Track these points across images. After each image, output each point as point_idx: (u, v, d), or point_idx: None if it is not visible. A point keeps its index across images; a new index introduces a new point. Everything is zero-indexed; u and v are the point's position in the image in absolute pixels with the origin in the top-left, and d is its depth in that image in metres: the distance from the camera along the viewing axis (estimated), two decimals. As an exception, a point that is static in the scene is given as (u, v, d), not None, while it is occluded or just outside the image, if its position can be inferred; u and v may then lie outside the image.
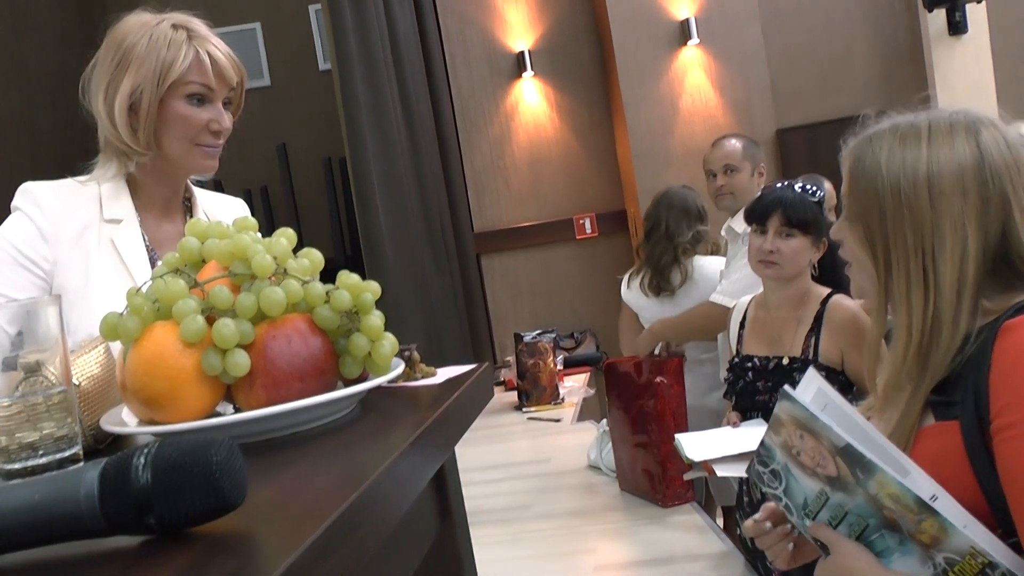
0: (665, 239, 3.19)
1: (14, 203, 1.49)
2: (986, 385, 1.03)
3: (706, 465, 2.12)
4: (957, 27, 4.46)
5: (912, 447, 1.11)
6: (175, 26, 1.47)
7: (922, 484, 1.00)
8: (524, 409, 3.72)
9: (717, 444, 2.20)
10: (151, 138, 1.48)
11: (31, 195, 1.48)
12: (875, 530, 1.03)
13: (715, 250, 3.32)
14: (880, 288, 1.17)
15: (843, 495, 1.04)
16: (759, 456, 1.13)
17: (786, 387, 1.06)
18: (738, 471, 2.11)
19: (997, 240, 1.10)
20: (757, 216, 2.38)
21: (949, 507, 0.99)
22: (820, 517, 1.08)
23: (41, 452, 0.77)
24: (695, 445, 2.21)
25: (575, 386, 4.06)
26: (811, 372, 1.13)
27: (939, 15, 4.49)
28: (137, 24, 1.48)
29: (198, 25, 1.50)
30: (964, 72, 4.53)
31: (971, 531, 0.98)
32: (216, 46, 1.49)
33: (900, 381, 1.14)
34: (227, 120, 1.52)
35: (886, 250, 1.14)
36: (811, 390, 1.10)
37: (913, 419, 1.12)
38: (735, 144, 3.21)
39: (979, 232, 1.09)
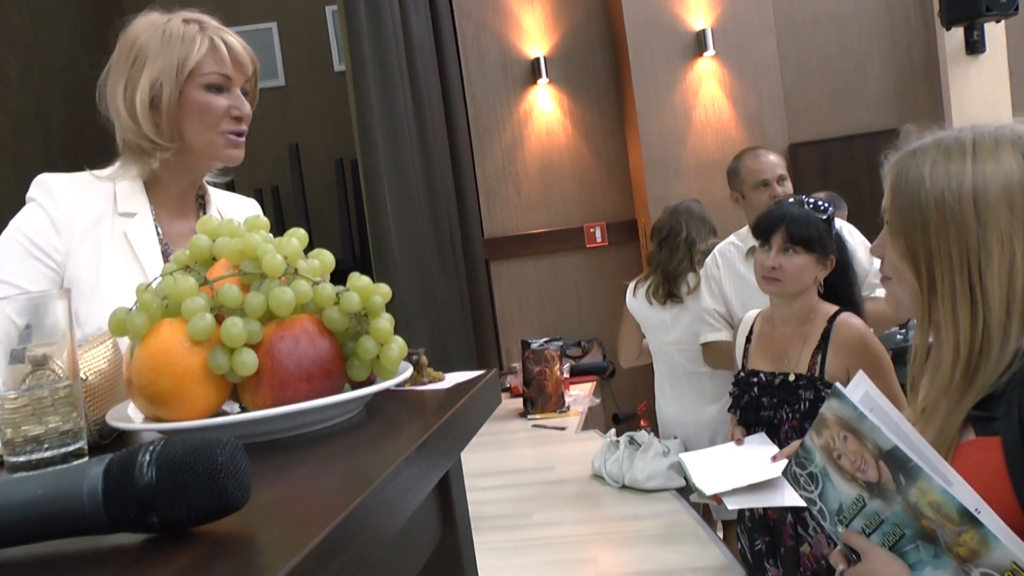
0: (685, 245, 3.19)
1: (29, 194, 1.49)
2: None
3: (716, 497, 2.11)
4: (974, 46, 4.45)
5: (951, 461, 1.10)
6: (186, 20, 1.49)
7: (965, 495, 0.99)
8: (529, 416, 3.71)
9: (725, 470, 2.19)
10: (174, 131, 1.48)
11: (46, 186, 1.48)
12: (910, 540, 1.02)
13: None
14: (924, 303, 1.15)
15: (880, 502, 1.03)
16: (798, 457, 1.11)
17: (837, 385, 1.04)
18: (748, 503, 2.10)
19: None
20: (761, 231, 2.38)
21: (992, 520, 0.97)
22: (854, 524, 1.07)
23: (46, 446, 0.77)
24: (704, 473, 2.20)
25: (581, 395, 4.05)
26: (860, 375, 1.11)
27: (956, 33, 4.48)
28: (148, 23, 1.49)
29: (206, 17, 1.52)
30: (980, 92, 4.51)
31: (1015, 546, 0.97)
32: (228, 33, 1.51)
33: (945, 397, 1.13)
34: (247, 107, 1.53)
35: (929, 265, 1.13)
36: (859, 392, 1.09)
37: (953, 433, 1.11)
38: (775, 156, 3.17)
39: None
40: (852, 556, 1.11)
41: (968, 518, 0.96)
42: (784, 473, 1.13)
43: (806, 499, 1.13)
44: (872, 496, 1.03)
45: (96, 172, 1.54)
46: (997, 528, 0.96)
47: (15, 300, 0.79)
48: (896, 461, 1.00)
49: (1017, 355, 1.08)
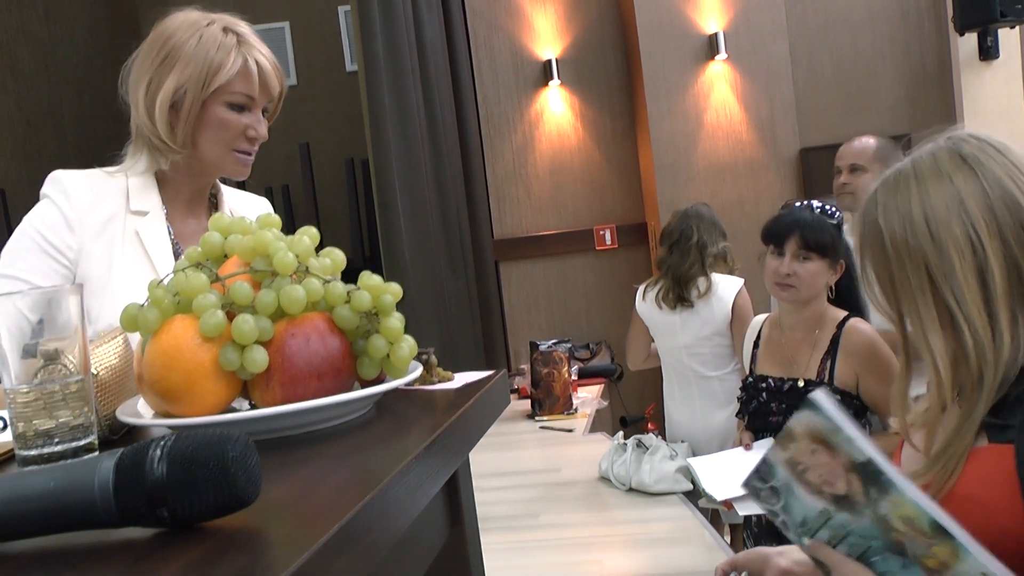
0: (696, 248, 3.18)
1: (43, 190, 1.50)
2: None
3: (726, 503, 2.10)
4: (988, 52, 4.43)
5: (963, 468, 1.09)
6: (225, 30, 1.47)
7: (936, 507, 0.98)
8: (536, 417, 3.71)
9: (734, 475, 2.19)
10: (188, 138, 1.48)
11: (60, 183, 1.48)
12: (876, 552, 1.01)
13: (731, 271, 3.30)
14: (900, 341, 1.17)
15: (847, 515, 1.02)
16: (759, 471, 1.11)
17: (812, 395, 1.03)
18: (759, 508, 2.09)
19: (1020, 241, 1.08)
20: (774, 238, 2.37)
21: (961, 532, 0.97)
22: (820, 536, 1.06)
23: (56, 440, 0.77)
24: (713, 477, 2.19)
25: (588, 397, 4.05)
26: (820, 392, 1.11)
27: (970, 39, 4.47)
28: (186, 22, 1.47)
29: (246, 30, 1.50)
30: (993, 98, 4.49)
31: (983, 557, 0.96)
32: (263, 54, 1.49)
33: (943, 419, 1.13)
34: (264, 129, 1.52)
35: (898, 300, 1.14)
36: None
37: (967, 440, 1.10)
38: (868, 143, 3.12)
39: (995, 240, 1.08)
40: (821, 568, 1.09)
41: (940, 531, 0.96)
42: (744, 484, 1.12)
43: (767, 511, 1.12)
44: (839, 509, 1.03)
45: (108, 168, 1.55)
46: (967, 541, 0.96)
47: (28, 295, 0.79)
48: (870, 473, 0.99)
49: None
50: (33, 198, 1.50)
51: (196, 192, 1.59)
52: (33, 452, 0.77)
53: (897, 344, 1.19)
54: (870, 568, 1.03)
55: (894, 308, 1.15)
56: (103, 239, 1.47)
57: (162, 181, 1.55)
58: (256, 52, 1.48)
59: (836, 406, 1.03)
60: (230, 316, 0.88)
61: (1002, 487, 1.05)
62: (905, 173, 1.14)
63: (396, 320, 0.94)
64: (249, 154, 1.53)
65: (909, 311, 1.13)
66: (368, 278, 0.95)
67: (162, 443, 0.58)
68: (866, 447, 0.99)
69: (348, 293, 0.93)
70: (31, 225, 1.46)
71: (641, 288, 3.39)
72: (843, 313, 2.32)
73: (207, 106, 1.46)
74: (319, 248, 0.99)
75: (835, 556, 1.04)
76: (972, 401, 1.11)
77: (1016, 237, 1.08)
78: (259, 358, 0.87)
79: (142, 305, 0.90)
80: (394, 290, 0.95)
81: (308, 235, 0.96)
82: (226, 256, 0.96)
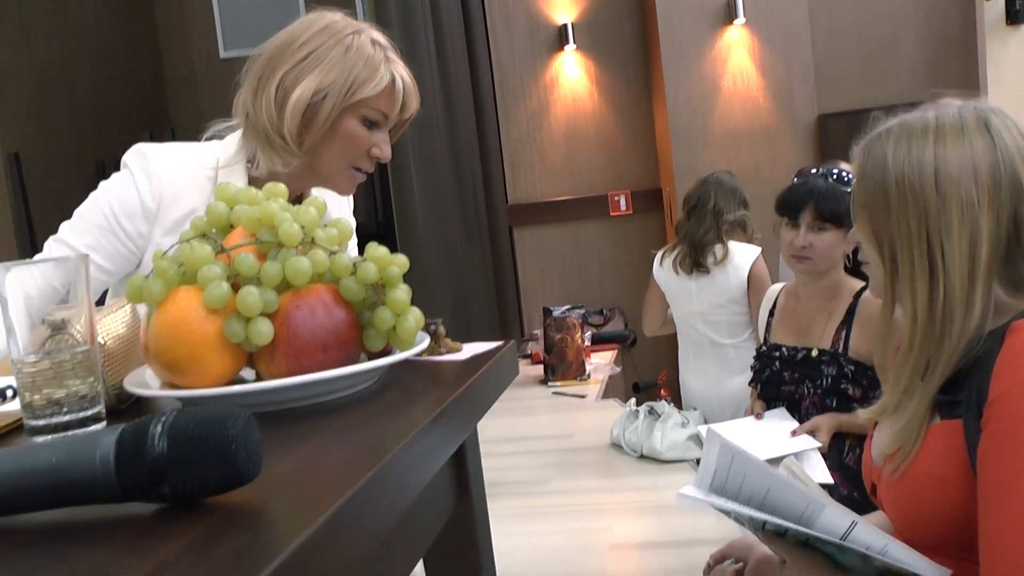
0: (712, 215, 3.17)
1: (126, 160, 1.42)
2: (987, 384, 1.03)
3: None
4: (1016, 16, 4.34)
5: (920, 447, 1.12)
6: (374, 42, 1.41)
7: (838, 518, 1.05)
8: (549, 383, 3.72)
9: (744, 444, 2.19)
10: (313, 145, 1.41)
11: (146, 161, 1.41)
12: (815, 540, 1.07)
13: (750, 239, 3.28)
14: (887, 281, 1.17)
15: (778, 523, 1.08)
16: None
17: (679, 492, 1.12)
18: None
19: (1010, 224, 1.09)
20: (789, 209, 2.34)
21: (865, 533, 1.04)
22: (767, 529, 1.13)
23: (65, 410, 0.77)
24: None
25: (601, 363, 4.05)
26: (710, 432, 1.14)
27: (996, 3, 4.38)
28: (334, 26, 1.40)
29: (390, 45, 1.44)
30: (1019, 64, 4.41)
31: (892, 550, 1.03)
32: (406, 72, 1.44)
33: (910, 376, 1.14)
34: (389, 150, 1.46)
35: (891, 241, 1.14)
36: (714, 449, 1.11)
37: (921, 418, 1.12)
38: None
39: (991, 213, 1.08)
40: (777, 555, 1.19)
41: (842, 546, 1.05)
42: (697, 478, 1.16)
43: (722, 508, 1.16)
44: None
45: (201, 147, 1.47)
46: (872, 540, 1.04)
47: (38, 265, 0.79)
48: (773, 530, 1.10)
49: (981, 337, 1.08)
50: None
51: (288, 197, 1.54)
52: (41, 422, 0.77)
53: (881, 285, 1.19)
54: (817, 551, 1.11)
55: (885, 245, 1.15)
56: (175, 235, 1.40)
57: (253, 179, 1.45)
58: (401, 69, 1.43)
59: (723, 449, 1.10)
60: (235, 287, 0.88)
61: (954, 462, 1.07)
62: (927, 121, 1.14)
63: (403, 292, 0.93)
64: (365, 173, 1.47)
65: (901, 253, 1.13)
66: (374, 249, 0.94)
67: (163, 419, 0.58)
68: (755, 513, 1.07)
69: (354, 265, 0.92)
70: (107, 200, 1.40)
71: (659, 254, 3.38)
72: (860, 283, 2.29)
73: (341, 117, 1.39)
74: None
75: (785, 546, 1.13)
76: (925, 375, 1.13)
77: (1010, 218, 1.09)
78: (264, 330, 0.86)
79: (147, 276, 0.89)
80: (400, 262, 0.94)
81: (314, 206, 0.95)
82: (232, 226, 0.95)
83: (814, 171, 2.40)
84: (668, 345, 3.58)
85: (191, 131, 1.58)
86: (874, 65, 4.67)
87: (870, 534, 1.04)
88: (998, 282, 1.10)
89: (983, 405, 1.03)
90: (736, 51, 4.61)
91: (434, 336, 1.12)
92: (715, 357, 3.24)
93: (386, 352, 0.96)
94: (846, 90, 4.65)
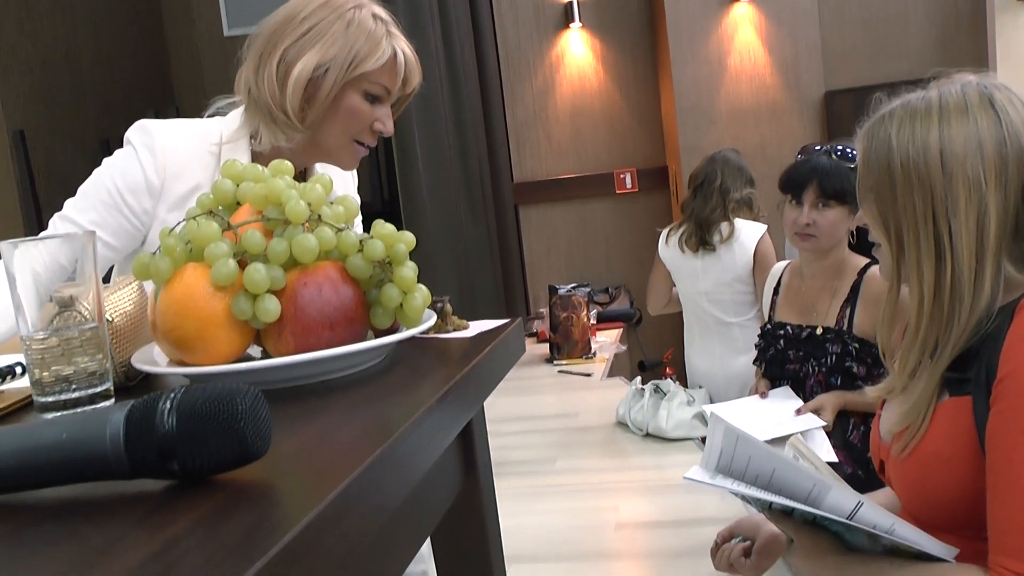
0: (719, 193, 3.16)
1: (129, 136, 1.42)
2: (996, 361, 1.03)
3: None
4: (1024, -7, 4.30)
5: (929, 424, 1.12)
6: (375, 17, 1.40)
7: (844, 498, 1.05)
8: (555, 362, 3.72)
9: (749, 423, 2.19)
10: (315, 120, 1.41)
11: (149, 137, 1.40)
12: (822, 519, 1.08)
13: (756, 217, 3.27)
14: (893, 262, 1.16)
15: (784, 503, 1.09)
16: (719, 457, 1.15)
17: (686, 475, 1.12)
18: None
19: (1018, 199, 1.09)
20: (792, 187, 2.33)
21: (872, 513, 1.04)
22: (774, 509, 1.13)
23: (74, 386, 0.78)
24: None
25: (607, 341, 4.05)
26: (713, 415, 1.14)
27: (1006, -21, 4.34)
28: (335, 1, 1.39)
29: (392, 20, 1.44)
30: (1028, 42, 4.38)
31: (899, 529, 1.04)
32: (408, 46, 1.44)
33: (918, 356, 1.14)
34: (391, 124, 1.46)
35: (897, 222, 1.14)
36: (718, 432, 1.11)
37: (929, 396, 1.12)
38: None
39: (999, 190, 1.08)
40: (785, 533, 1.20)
41: (849, 526, 1.05)
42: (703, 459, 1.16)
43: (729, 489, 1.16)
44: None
45: (203, 123, 1.46)
46: (879, 520, 1.04)
47: (45, 242, 0.79)
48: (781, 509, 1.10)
49: (991, 314, 1.08)
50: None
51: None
52: (50, 399, 0.77)
53: (887, 266, 1.18)
54: (825, 529, 1.12)
55: (892, 228, 1.15)
56: (180, 212, 1.39)
57: (257, 155, 1.45)
58: (403, 43, 1.43)
59: (727, 432, 1.09)
60: (242, 265, 0.88)
61: (963, 439, 1.07)
62: (930, 101, 1.13)
63: (409, 269, 0.93)
64: (368, 147, 1.47)
65: (908, 234, 1.13)
66: (381, 226, 0.94)
67: (172, 396, 0.58)
68: (762, 494, 1.07)
69: (361, 242, 0.92)
70: (111, 176, 1.39)
71: (665, 232, 3.37)
72: (864, 261, 2.29)
73: (343, 92, 1.39)
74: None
75: (792, 526, 1.15)
76: (934, 352, 1.12)
77: (1017, 193, 1.09)
78: (271, 307, 0.86)
79: (154, 253, 0.89)
80: (407, 239, 0.94)
81: (321, 183, 0.95)
82: (238, 204, 0.95)
83: (818, 148, 2.39)
84: (674, 324, 3.57)
85: (195, 109, 1.57)
86: (882, 42, 4.64)
87: (877, 514, 1.04)
88: (1007, 258, 1.09)
89: (992, 383, 1.03)
90: (743, 28, 4.57)
91: (441, 314, 1.12)
92: (720, 336, 3.24)
93: (393, 330, 0.96)
94: (853, 67, 4.62)
